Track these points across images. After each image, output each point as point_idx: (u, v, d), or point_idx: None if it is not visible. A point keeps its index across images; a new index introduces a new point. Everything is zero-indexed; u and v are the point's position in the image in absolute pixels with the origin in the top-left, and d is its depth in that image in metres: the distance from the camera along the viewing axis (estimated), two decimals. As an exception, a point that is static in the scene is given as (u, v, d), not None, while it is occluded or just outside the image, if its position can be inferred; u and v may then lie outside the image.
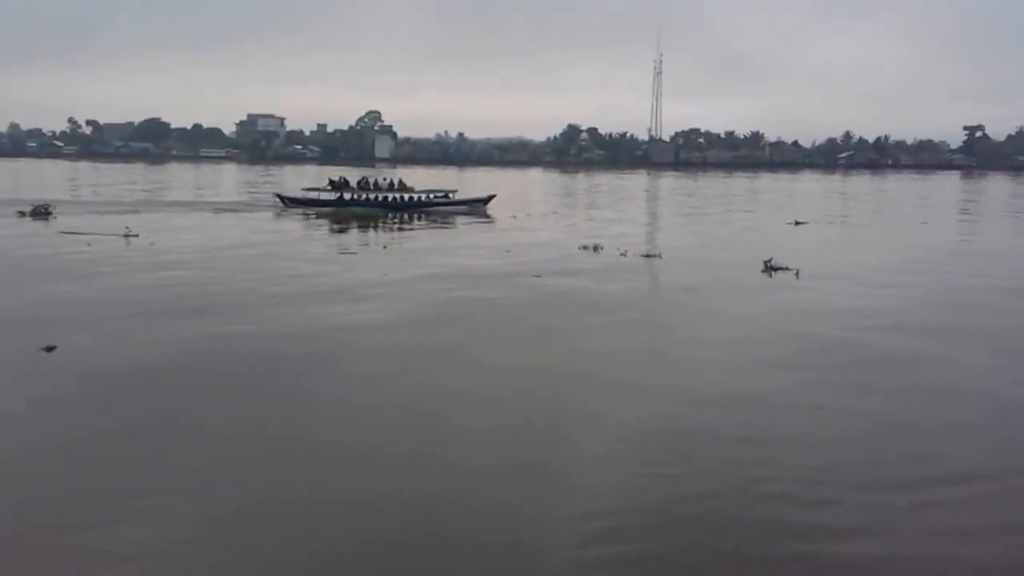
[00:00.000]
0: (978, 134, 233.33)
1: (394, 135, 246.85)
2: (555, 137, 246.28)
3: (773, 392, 15.76)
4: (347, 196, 56.88)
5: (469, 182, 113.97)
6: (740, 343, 19.57)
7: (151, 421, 13.86)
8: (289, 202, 58.16)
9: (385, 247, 37.77)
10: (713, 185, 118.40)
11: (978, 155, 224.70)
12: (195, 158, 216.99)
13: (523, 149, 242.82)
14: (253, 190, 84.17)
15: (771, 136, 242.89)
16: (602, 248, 36.21)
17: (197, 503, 10.87)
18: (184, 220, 48.76)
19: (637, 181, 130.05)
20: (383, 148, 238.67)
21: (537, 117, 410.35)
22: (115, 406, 14.58)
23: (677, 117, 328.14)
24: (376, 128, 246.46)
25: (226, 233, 42.96)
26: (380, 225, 50.10)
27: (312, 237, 44.20)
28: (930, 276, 31.10)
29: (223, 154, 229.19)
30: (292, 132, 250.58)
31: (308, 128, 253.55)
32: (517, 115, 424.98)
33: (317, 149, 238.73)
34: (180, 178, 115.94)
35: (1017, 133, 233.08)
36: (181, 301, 23.33)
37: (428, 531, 10.29)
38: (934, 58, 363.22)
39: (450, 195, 59.25)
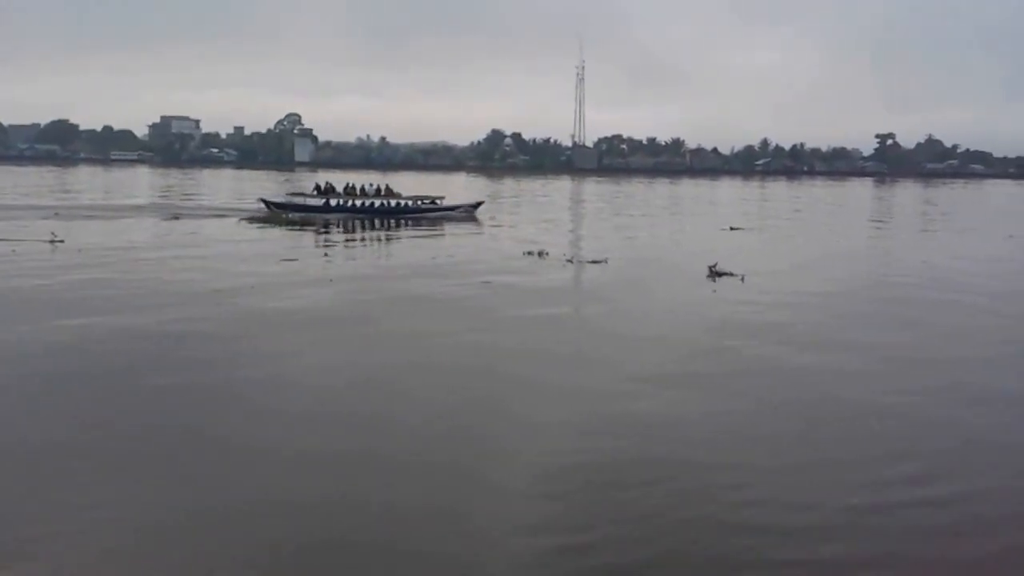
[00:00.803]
0: (889, 142, 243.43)
1: (314, 139, 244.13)
2: (479, 142, 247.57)
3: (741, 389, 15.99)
4: (333, 202, 56.43)
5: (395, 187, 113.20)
6: (681, 345, 20.01)
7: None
8: (274, 207, 57.14)
9: (326, 255, 36.92)
10: (640, 191, 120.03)
11: (889, 162, 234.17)
12: (105, 161, 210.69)
13: (447, 154, 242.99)
14: (184, 195, 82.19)
15: (692, 143, 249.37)
16: (547, 254, 36.22)
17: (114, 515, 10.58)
18: (109, 225, 47.28)
19: (563, 186, 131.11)
20: (303, 152, 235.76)
21: (461, 122, 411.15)
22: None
23: (600, 123, 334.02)
24: (296, 131, 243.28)
25: (170, 237, 42.41)
26: (363, 230, 49.79)
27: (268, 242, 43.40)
28: (870, 279, 32.19)
29: (135, 157, 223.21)
30: (208, 135, 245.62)
31: (224, 131, 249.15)
32: (441, 120, 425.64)
33: (234, 152, 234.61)
34: (99, 182, 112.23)
35: (926, 141, 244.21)
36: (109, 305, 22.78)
37: (363, 537, 10.17)
38: (848, 68, 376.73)
39: (437, 201, 59.16)
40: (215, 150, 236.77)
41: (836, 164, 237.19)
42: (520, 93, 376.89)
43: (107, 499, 10.90)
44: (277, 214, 54.17)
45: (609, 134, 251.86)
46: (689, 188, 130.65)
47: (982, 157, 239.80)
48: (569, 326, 22.55)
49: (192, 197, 78.62)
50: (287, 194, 61.34)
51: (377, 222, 53.58)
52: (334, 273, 31.62)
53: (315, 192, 57.56)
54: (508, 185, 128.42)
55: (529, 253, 36.46)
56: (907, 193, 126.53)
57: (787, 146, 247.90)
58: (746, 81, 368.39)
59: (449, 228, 50.80)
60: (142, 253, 35.28)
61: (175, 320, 21.16)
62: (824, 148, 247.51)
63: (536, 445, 13.26)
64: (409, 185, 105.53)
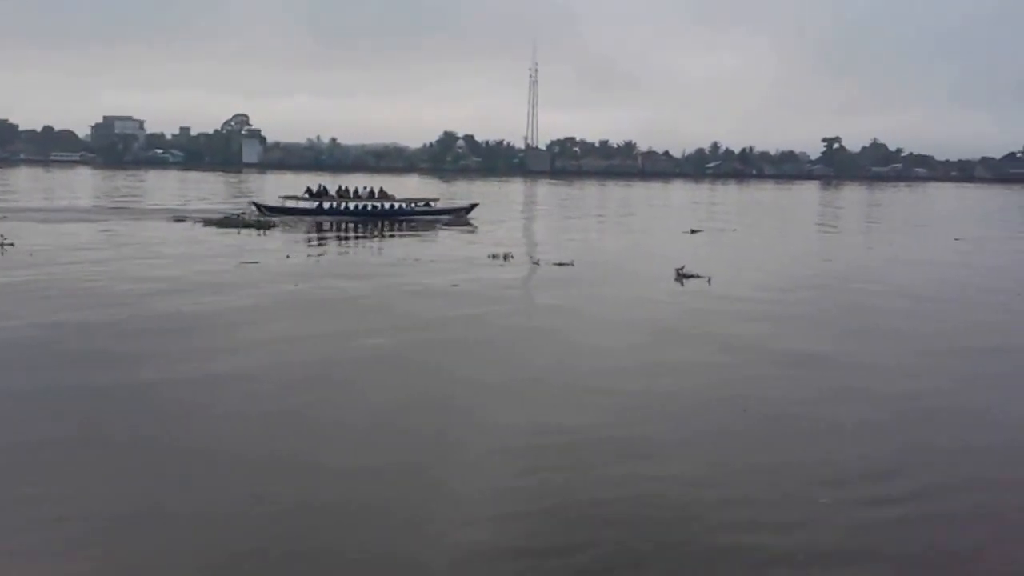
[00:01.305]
0: (835, 146, 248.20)
1: (263, 139, 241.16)
2: (431, 144, 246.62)
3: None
4: (326, 205, 56.51)
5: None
6: (654, 346, 20.38)
7: None
8: (267, 211, 56.71)
9: (288, 256, 36.07)
10: (594, 193, 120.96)
11: (836, 166, 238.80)
12: (45, 162, 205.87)
13: (399, 156, 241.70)
14: (132, 196, 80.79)
15: (643, 146, 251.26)
16: (512, 257, 36.32)
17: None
18: (58, 228, 46.26)
19: (516, 188, 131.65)
20: (251, 153, 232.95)
21: (413, 124, 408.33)
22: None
23: (553, 126, 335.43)
24: (244, 132, 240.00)
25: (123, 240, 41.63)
26: (353, 233, 49.68)
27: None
28: (830, 281, 32.99)
29: (77, 158, 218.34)
30: (153, 136, 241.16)
31: (170, 132, 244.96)
32: (393, 121, 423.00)
33: (180, 153, 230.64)
34: (41, 183, 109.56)
35: (871, 145, 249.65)
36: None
37: (304, 541, 10.18)
38: (797, 73, 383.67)
39: (431, 204, 59.53)
40: (160, 151, 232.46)
41: (784, 167, 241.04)
42: (473, 95, 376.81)
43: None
44: (225, 220, 51.47)
45: (562, 136, 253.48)
46: (642, 191, 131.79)
47: (925, 161, 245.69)
48: (539, 330, 22.61)
49: (139, 199, 77.28)
50: (280, 197, 60.62)
51: (370, 225, 53.34)
52: (267, 277, 30.55)
53: (307, 195, 57.40)
54: (460, 187, 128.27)
55: (494, 256, 36.46)
56: (854, 196, 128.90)
57: (737, 149, 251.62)
58: (697, 85, 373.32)
59: (442, 231, 50.86)
60: (93, 254, 34.74)
61: (118, 320, 21.52)
62: (773, 152, 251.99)
63: (496, 437, 13.60)
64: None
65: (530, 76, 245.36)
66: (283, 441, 13.29)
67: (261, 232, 46.75)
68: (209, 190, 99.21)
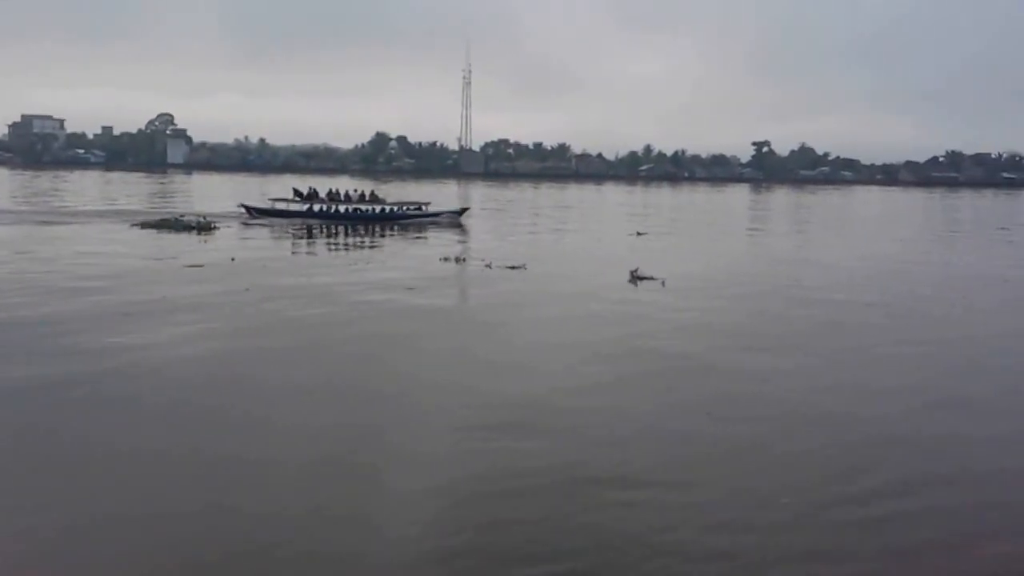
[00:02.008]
0: (765, 149, 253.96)
1: (188, 139, 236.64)
2: (363, 145, 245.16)
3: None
4: (316, 207, 56.23)
5: (273, 190, 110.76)
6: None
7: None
8: (255, 213, 56.15)
9: (233, 259, 35.12)
10: (530, 195, 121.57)
11: (765, 169, 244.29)
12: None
13: (330, 157, 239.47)
14: (52, 198, 78.54)
15: (577, 148, 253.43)
16: (464, 260, 36.40)
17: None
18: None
19: (451, 190, 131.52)
20: (176, 153, 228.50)
21: (345, 124, 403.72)
22: None
23: (487, 127, 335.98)
24: (168, 132, 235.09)
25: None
26: (343, 235, 49.54)
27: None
28: (782, 282, 33.63)
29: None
30: (73, 135, 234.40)
31: (92, 131, 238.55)
32: (324, 122, 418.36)
33: (102, 154, 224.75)
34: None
35: (799, 149, 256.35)
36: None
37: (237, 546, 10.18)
38: (727, 76, 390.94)
39: (423, 207, 59.58)
40: (81, 151, 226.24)
41: (716, 170, 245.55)
42: (406, 96, 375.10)
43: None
44: (163, 223, 49.64)
45: (496, 138, 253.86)
46: (576, 193, 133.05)
47: (851, 164, 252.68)
48: (492, 332, 22.66)
49: (64, 200, 75.21)
50: (269, 199, 60.34)
51: (360, 228, 53.27)
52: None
53: (297, 197, 57.17)
54: (394, 189, 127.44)
55: (446, 259, 36.60)
56: (787, 199, 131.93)
57: (669, 152, 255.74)
58: (631, 88, 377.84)
59: (432, 233, 50.98)
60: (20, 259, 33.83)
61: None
62: (704, 155, 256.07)
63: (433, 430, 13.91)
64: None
65: (463, 78, 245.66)
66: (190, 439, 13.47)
67: (202, 235, 45.98)
68: (135, 191, 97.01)
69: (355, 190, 59.44)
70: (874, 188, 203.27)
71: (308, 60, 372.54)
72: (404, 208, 59.06)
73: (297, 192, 58.45)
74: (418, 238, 49.50)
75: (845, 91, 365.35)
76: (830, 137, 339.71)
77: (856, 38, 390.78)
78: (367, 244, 46.37)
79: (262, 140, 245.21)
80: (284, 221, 54.04)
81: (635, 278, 31.27)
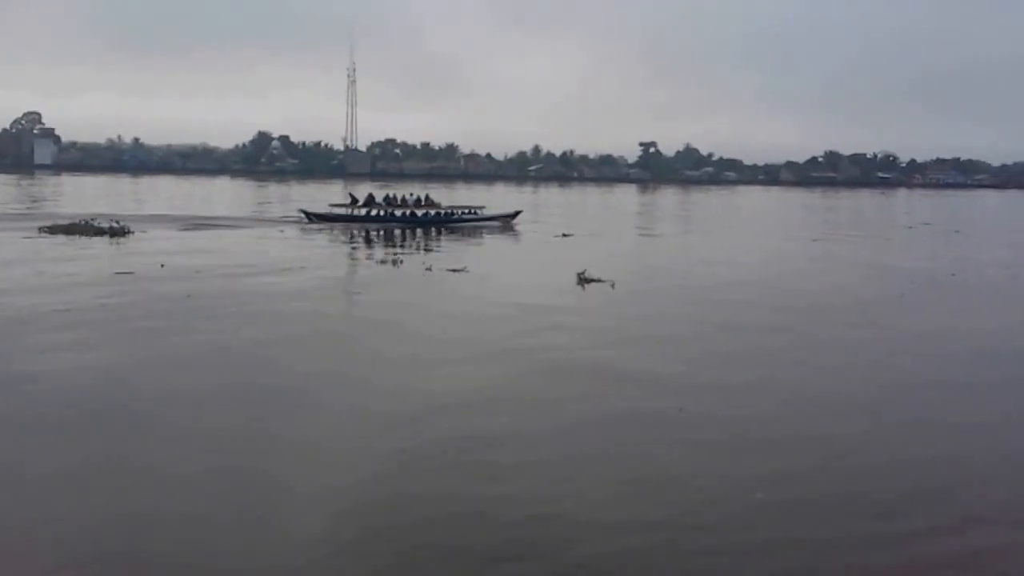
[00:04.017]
0: (651, 150, 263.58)
1: (57, 139, 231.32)
2: (244, 144, 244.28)
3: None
4: (374, 212, 58.17)
5: (148, 191, 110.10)
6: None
7: None
8: (315, 218, 58.43)
9: (163, 265, 33.00)
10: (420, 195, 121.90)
11: (652, 169, 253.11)
12: None
13: (208, 157, 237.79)
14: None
15: (466, 148, 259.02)
16: (401, 262, 36.58)
17: None
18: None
19: (337, 191, 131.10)
20: (44, 154, 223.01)
21: (225, 123, 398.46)
22: None
23: (374, 127, 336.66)
24: (35, 131, 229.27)
25: None
26: (394, 240, 49.96)
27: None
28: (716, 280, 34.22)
29: None
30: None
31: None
32: (202, 121, 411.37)
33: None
34: None
35: (684, 150, 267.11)
36: None
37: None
38: (616, 77, 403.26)
39: (477, 211, 60.89)
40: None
41: (604, 171, 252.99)
42: (290, 96, 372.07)
43: None
44: (72, 227, 47.31)
45: (383, 138, 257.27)
46: (465, 193, 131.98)
47: (734, 165, 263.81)
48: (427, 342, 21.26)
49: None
50: (329, 205, 62.64)
51: (420, 231, 54.92)
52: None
53: (354, 203, 59.25)
54: (276, 190, 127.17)
55: (383, 261, 36.98)
56: (677, 199, 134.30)
57: (558, 152, 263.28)
58: (520, 88, 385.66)
59: (488, 237, 52.35)
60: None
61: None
62: (592, 155, 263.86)
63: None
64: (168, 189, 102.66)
65: (348, 76, 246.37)
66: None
67: (114, 239, 44.59)
68: (3, 195, 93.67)
69: (411, 194, 61.29)
70: (756, 188, 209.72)
71: (187, 58, 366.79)
72: (460, 212, 60.57)
73: (353, 198, 60.53)
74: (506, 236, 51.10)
75: (732, 92, 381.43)
76: (716, 138, 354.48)
77: (743, 40, 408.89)
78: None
79: (136, 140, 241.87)
80: (341, 225, 56.34)
81: (583, 280, 31.00)
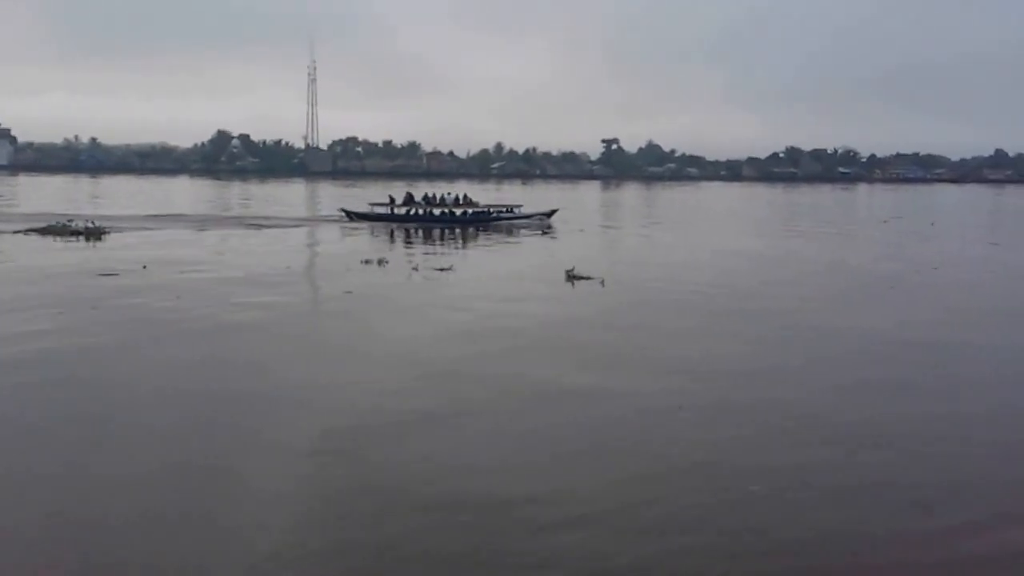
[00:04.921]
0: (614, 147, 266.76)
1: (13, 139, 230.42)
2: (203, 144, 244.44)
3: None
4: (413, 211, 60.67)
5: (108, 192, 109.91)
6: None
7: None
8: (355, 217, 61.05)
9: (145, 267, 33.90)
10: (383, 194, 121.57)
11: (614, 166, 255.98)
12: None
13: (167, 156, 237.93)
14: None
15: (428, 146, 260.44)
16: (387, 263, 37.21)
17: None
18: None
19: (297, 189, 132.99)
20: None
21: (184, 123, 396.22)
22: None
23: (335, 125, 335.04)
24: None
25: None
26: (429, 238, 52.41)
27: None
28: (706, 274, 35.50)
29: None
30: None
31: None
32: (161, 120, 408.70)
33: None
34: None
35: (647, 146, 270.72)
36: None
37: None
38: (579, 75, 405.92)
39: (514, 209, 63.07)
40: None
41: (567, 168, 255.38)
42: (249, 94, 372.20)
43: None
44: (49, 229, 48.38)
45: (344, 136, 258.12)
46: (429, 190, 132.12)
47: (696, 161, 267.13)
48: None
49: None
50: (369, 204, 65.02)
51: (457, 230, 56.87)
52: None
53: (393, 202, 61.76)
54: (237, 189, 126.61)
55: (367, 261, 37.30)
56: (645, 195, 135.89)
57: (521, 150, 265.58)
58: (482, 86, 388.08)
59: (524, 235, 54.05)
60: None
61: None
62: (555, 152, 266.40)
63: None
64: (126, 189, 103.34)
65: (308, 74, 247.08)
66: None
67: (91, 240, 45.35)
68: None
69: (448, 193, 63.81)
70: (717, 184, 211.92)
71: (146, 58, 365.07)
72: (498, 211, 62.95)
73: (392, 198, 62.81)
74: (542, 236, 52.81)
75: (694, 90, 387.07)
76: (678, 135, 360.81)
77: (706, 38, 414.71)
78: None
79: (93, 140, 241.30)
80: (382, 225, 58.69)
81: (572, 277, 31.70)
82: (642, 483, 12.58)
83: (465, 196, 63.25)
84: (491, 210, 62.62)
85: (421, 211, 61.09)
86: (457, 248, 47.99)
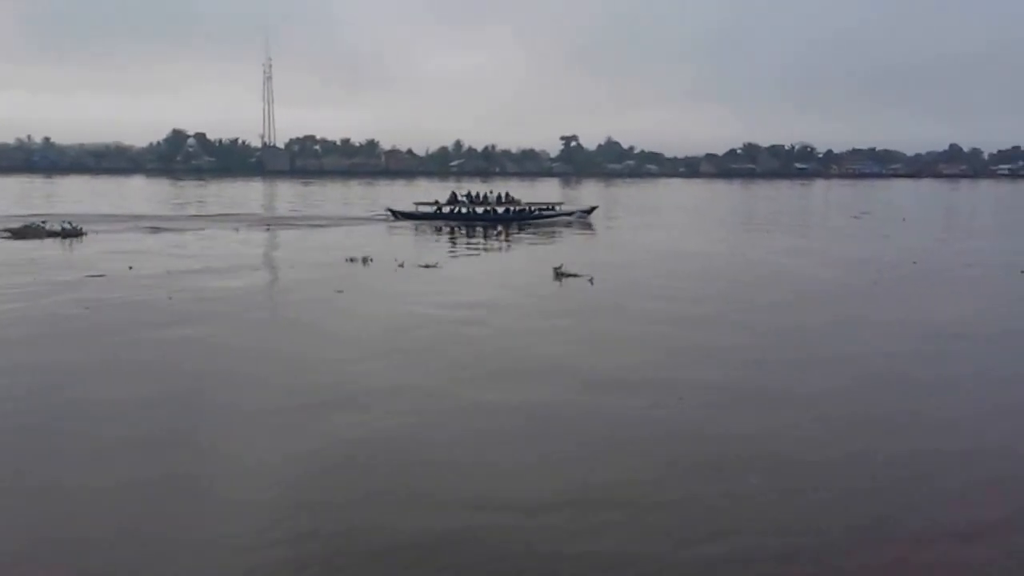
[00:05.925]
0: (573, 144, 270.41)
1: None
2: (159, 143, 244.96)
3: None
4: (456, 210, 63.16)
5: (60, 194, 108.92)
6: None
7: None
8: (400, 216, 63.29)
9: (131, 268, 33.91)
10: (341, 192, 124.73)
11: (574, 163, 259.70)
12: None
13: (122, 156, 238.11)
14: None
15: (386, 144, 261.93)
16: (372, 260, 37.00)
17: None
18: None
19: (256, 189, 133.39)
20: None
21: (139, 122, 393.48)
22: None
23: (292, 123, 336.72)
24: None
25: None
26: (475, 235, 54.10)
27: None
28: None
29: None
30: None
31: None
32: (116, 119, 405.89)
33: None
34: None
35: (606, 143, 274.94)
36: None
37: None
38: (538, 73, 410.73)
39: (556, 207, 65.85)
40: None
41: (527, 165, 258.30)
42: (204, 92, 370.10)
43: None
44: (25, 230, 47.75)
45: (301, 135, 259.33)
46: (387, 189, 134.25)
47: (655, 158, 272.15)
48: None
49: None
50: (414, 203, 67.11)
51: (499, 227, 58.82)
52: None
53: (436, 202, 64.61)
54: (193, 189, 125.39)
55: (352, 259, 37.16)
56: (603, 192, 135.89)
57: (480, 147, 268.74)
58: (441, 84, 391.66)
59: (565, 232, 55.72)
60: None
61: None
62: (514, 150, 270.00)
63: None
64: (80, 189, 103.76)
65: (264, 72, 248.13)
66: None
67: (67, 241, 45.49)
68: None
69: (490, 191, 66.53)
70: (676, 180, 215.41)
71: (99, 56, 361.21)
72: (539, 209, 65.36)
73: (436, 201, 65.51)
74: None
75: (653, 88, 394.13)
76: (637, 132, 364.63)
77: (665, 37, 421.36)
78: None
79: (47, 139, 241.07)
80: (427, 223, 61.12)
81: (559, 275, 31.85)
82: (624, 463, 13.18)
83: (507, 194, 65.57)
84: (532, 208, 65.17)
85: (464, 209, 64.00)
86: (493, 245, 49.35)
